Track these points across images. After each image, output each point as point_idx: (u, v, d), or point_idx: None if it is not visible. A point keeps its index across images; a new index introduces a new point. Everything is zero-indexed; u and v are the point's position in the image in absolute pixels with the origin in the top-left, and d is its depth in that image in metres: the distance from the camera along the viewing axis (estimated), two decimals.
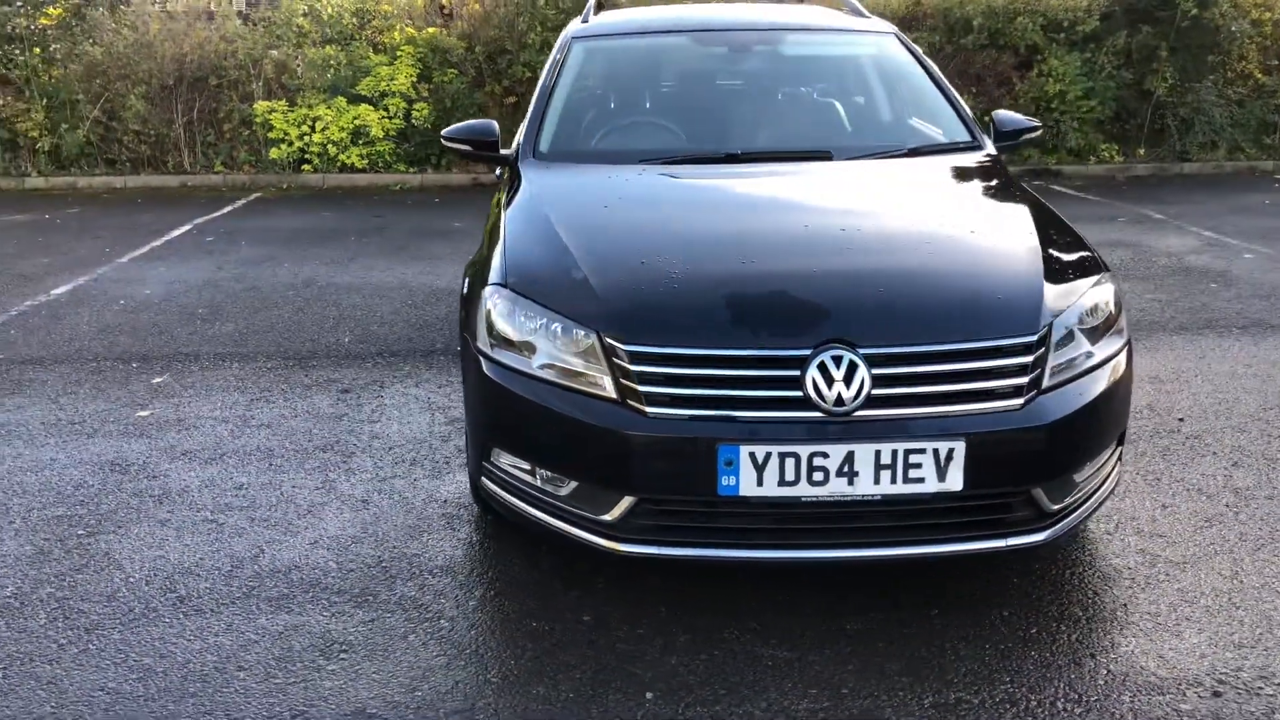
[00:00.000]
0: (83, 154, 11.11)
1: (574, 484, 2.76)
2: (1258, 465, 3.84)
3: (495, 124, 3.97)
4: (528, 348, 2.80)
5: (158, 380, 4.97)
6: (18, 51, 11.03)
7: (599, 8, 4.84)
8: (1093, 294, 2.91)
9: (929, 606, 2.92)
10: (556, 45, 4.32)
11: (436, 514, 3.53)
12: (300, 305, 6.18)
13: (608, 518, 2.70)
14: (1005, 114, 4.17)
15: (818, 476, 2.57)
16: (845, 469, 2.57)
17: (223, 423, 4.41)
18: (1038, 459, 2.69)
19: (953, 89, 4.06)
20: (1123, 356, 2.94)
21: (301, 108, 10.86)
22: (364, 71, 10.97)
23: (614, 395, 2.65)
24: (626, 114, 4.10)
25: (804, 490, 2.58)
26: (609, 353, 2.66)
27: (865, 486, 2.58)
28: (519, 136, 3.91)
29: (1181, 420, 4.31)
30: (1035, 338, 2.68)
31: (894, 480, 2.58)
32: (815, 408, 2.57)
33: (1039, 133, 4.16)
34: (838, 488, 2.58)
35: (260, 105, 10.83)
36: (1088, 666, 2.65)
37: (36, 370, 5.13)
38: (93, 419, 4.47)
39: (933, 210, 3.25)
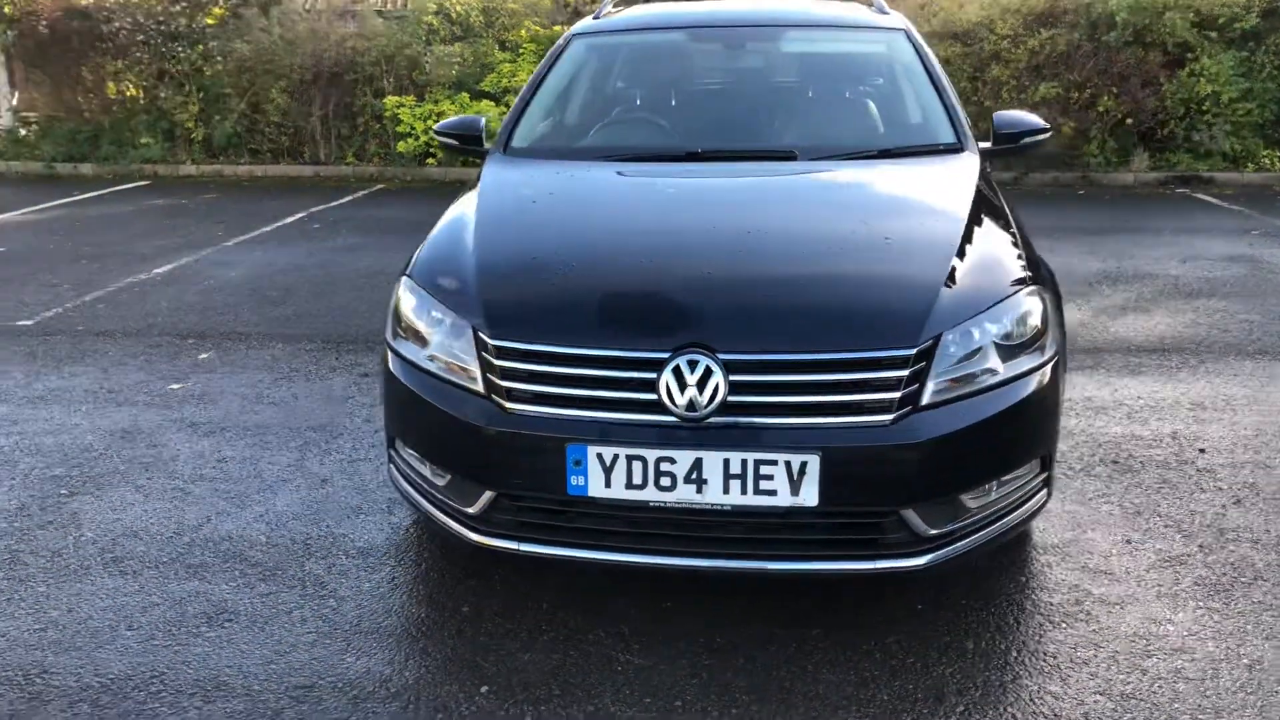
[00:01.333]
0: (230, 144, 11.89)
1: (449, 475, 2.79)
2: (1260, 506, 3.49)
3: (482, 119, 4.03)
4: (421, 340, 2.85)
5: (203, 356, 5.29)
6: (180, 49, 11.89)
7: (625, 2, 4.84)
8: (1009, 307, 2.72)
9: (813, 625, 2.81)
10: (558, 41, 4.35)
11: (384, 499, 3.62)
12: (362, 292, 6.45)
13: (471, 510, 2.73)
14: (1007, 114, 3.93)
15: (665, 482, 2.51)
16: (693, 476, 2.50)
17: (239, 399, 4.65)
18: (907, 479, 2.54)
19: (951, 89, 3.85)
20: (1041, 375, 2.73)
21: (428, 103, 11.27)
22: (488, 68, 11.31)
23: (482, 389, 2.67)
24: (604, 111, 4.08)
25: (651, 495, 2.52)
26: (480, 347, 2.68)
27: (714, 495, 2.51)
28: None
29: (1202, 451, 3.97)
30: (912, 351, 2.53)
31: (744, 491, 2.50)
32: (668, 412, 2.51)
33: (1047, 135, 3.90)
34: (685, 494, 2.51)
35: (390, 100, 11.30)
36: (947, 703, 2.49)
37: (103, 342, 5.55)
38: (129, 389, 4.81)
39: (858, 215, 3.11)
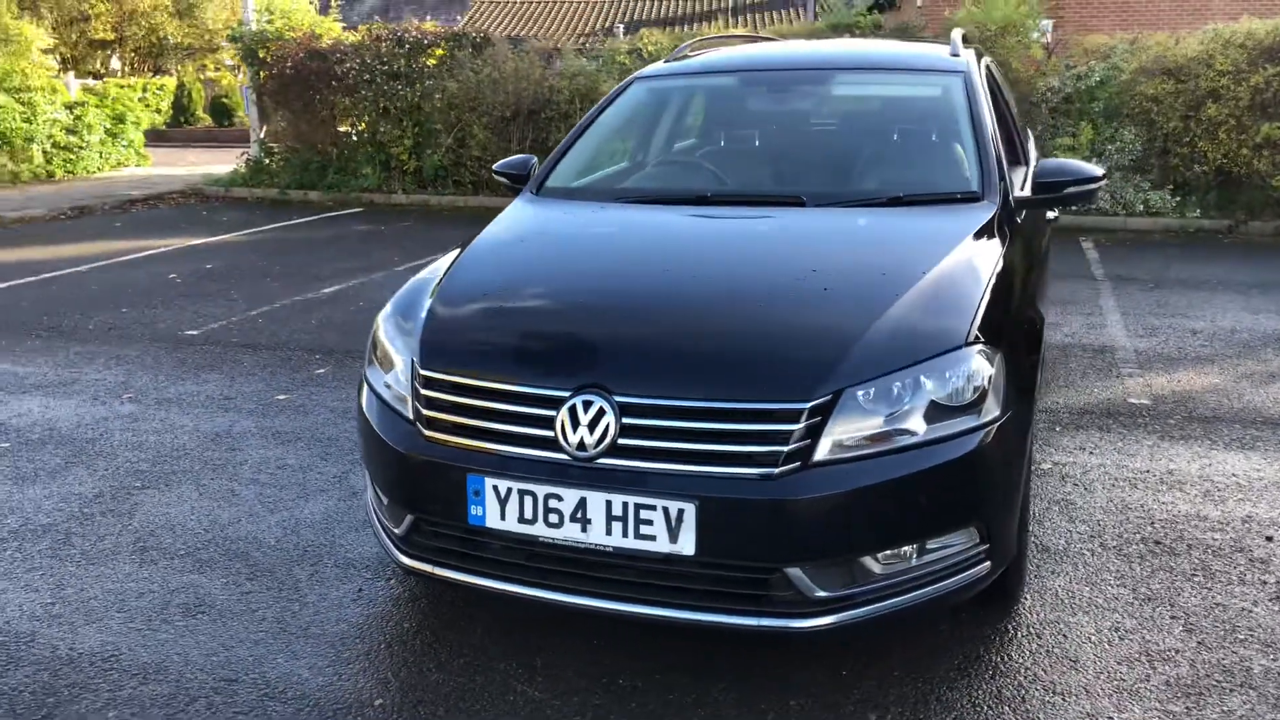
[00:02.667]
0: (436, 175, 12.74)
1: (385, 497, 2.95)
2: None
3: (533, 159, 4.20)
4: (387, 368, 3.03)
5: (319, 371, 5.75)
6: (400, 87, 12.87)
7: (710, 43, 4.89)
8: (940, 365, 2.58)
9: (722, 679, 2.75)
10: (621, 83, 4.45)
11: None
12: None
13: (398, 531, 2.87)
14: (1050, 162, 3.69)
15: (553, 519, 2.56)
16: (578, 515, 2.53)
17: (327, 412, 5.03)
18: (790, 536, 2.47)
19: (994, 138, 3.66)
20: (971, 440, 2.57)
21: None
22: None
23: (410, 416, 2.81)
24: (639, 154, 4.15)
25: (541, 530, 2.58)
26: (413, 375, 2.83)
27: (598, 535, 2.53)
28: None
29: (1270, 539, 3.55)
30: (803, 406, 2.46)
31: (625, 534, 2.50)
32: (561, 450, 2.56)
33: (1097, 185, 3.63)
34: (571, 533, 2.55)
35: None
36: None
37: (244, 353, 6.13)
38: (241, 398, 5.30)
39: (815, 263, 3.01)
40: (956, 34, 4.35)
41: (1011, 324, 2.88)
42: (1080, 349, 6.03)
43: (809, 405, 2.46)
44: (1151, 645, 2.89)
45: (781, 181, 3.78)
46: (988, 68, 4.44)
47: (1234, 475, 4.12)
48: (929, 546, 2.61)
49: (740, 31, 12.40)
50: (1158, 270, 8.43)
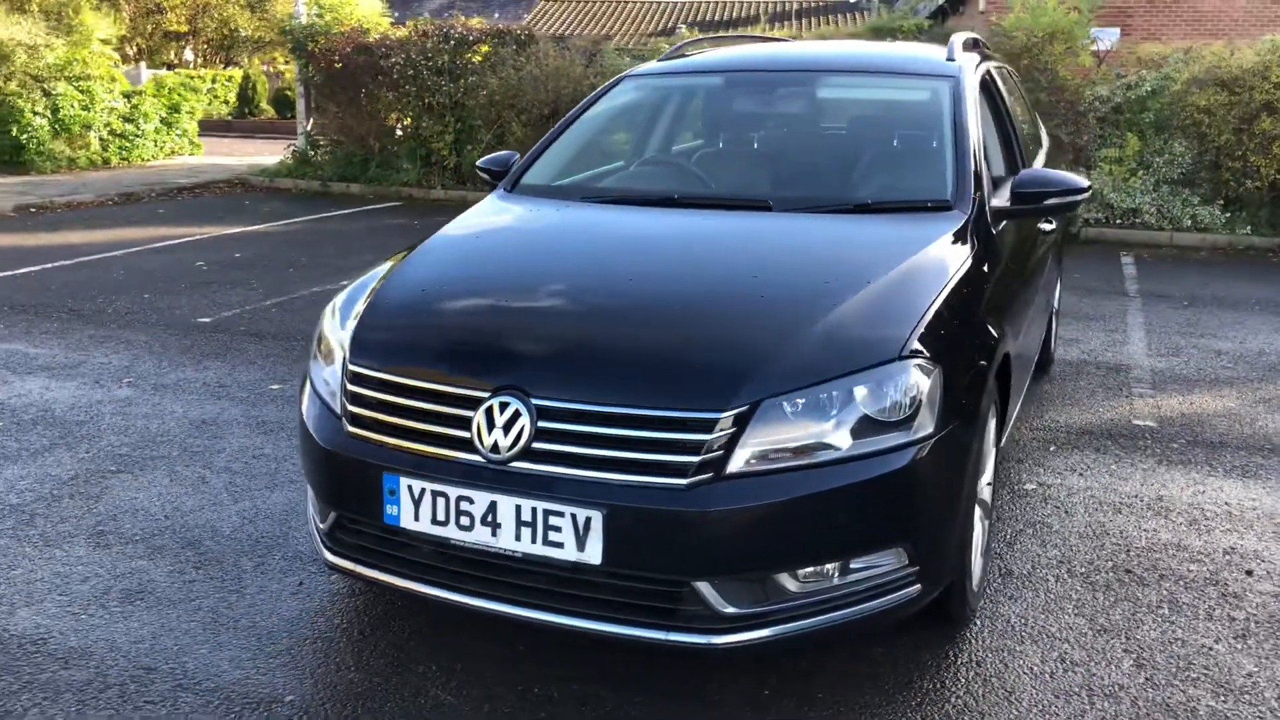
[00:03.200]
0: (475, 171, 12.76)
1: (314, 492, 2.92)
2: (1267, 645, 2.94)
3: (515, 155, 4.15)
4: (328, 361, 3.00)
5: None
6: (444, 83, 12.95)
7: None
8: (870, 378, 2.48)
9: (638, 693, 2.68)
10: (609, 81, 4.39)
11: None
12: None
13: (323, 527, 2.84)
14: (1031, 173, 3.56)
15: (464, 521, 2.51)
16: (489, 519, 2.48)
17: None
18: (698, 549, 2.39)
19: (977, 146, 3.52)
20: (900, 457, 2.47)
21: None
22: None
23: (338, 411, 2.78)
24: (617, 152, 4.08)
25: (453, 533, 2.53)
26: (344, 370, 2.80)
27: (507, 540, 2.47)
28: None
29: (1249, 573, 3.39)
30: (717, 416, 2.38)
31: (534, 540, 2.45)
32: (475, 451, 2.51)
33: (1079, 197, 3.49)
34: (482, 536, 2.50)
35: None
36: None
37: (250, 342, 6.18)
38: (237, 386, 5.33)
39: (757, 269, 2.91)
40: (956, 38, 4.21)
41: (959, 339, 2.77)
42: (1094, 366, 5.84)
43: (724, 415, 2.39)
44: (1096, 680, 2.76)
45: (751, 185, 3.69)
46: (990, 73, 4.30)
47: (1227, 504, 3.94)
48: (853, 566, 2.52)
49: (767, 33, 12.31)
50: (1195, 288, 8.15)
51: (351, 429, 2.70)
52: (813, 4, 31.06)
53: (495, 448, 2.48)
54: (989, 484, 3.19)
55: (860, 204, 3.36)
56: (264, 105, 30.84)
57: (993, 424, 3.11)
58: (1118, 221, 10.40)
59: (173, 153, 16.40)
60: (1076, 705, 2.65)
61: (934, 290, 2.82)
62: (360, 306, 2.97)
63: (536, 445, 2.46)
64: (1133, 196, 10.32)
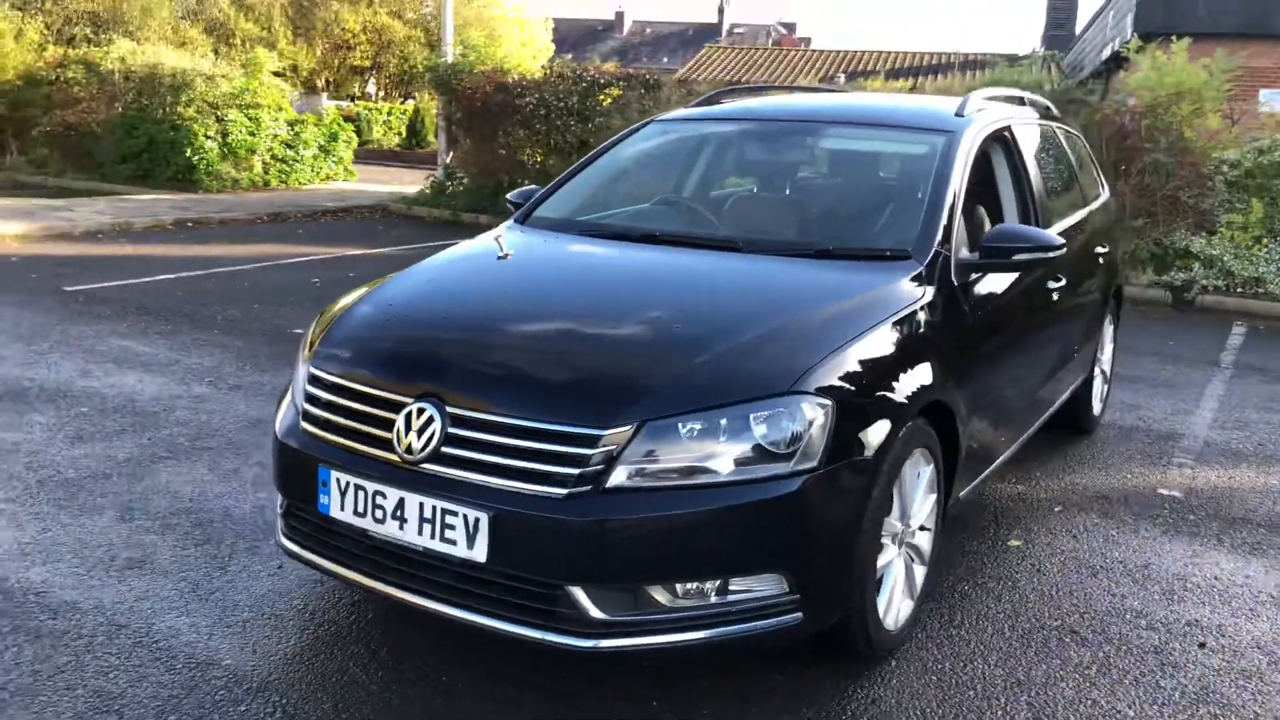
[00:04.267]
0: None
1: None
2: (1185, 715, 2.89)
3: (538, 190, 4.44)
4: (304, 363, 3.32)
5: None
6: (573, 123, 13.48)
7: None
8: (758, 409, 2.62)
9: (538, 691, 2.87)
10: (639, 123, 4.64)
11: None
12: None
13: (280, 511, 3.15)
14: (1003, 228, 3.61)
15: (378, 515, 2.76)
16: (398, 513, 2.73)
17: None
18: (572, 556, 2.57)
19: (953, 200, 3.58)
20: (779, 486, 2.59)
21: None
22: None
23: (298, 407, 3.10)
24: (620, 189, 4.30)
25: (370, 525, 2.79)
26: (306, 372, 3.12)
27: (411, 535, 2.71)
28: None
29: (1202, 645, 3.31)
30: (601, 432, 2.56)
31: (433, 536, 2.68)
32: (394, 451, 2.77)
33: (1050, 254, 3.52)
34: (392, 530, 2.75)
35: None
36: None
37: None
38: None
39: (690, 302, 3.10)
40: (975, 95, 4.28)
41: (867, 381, 2.86)
42: (1144, 433, 5.67)
43: (607, 432, 2.57)
44: None
45: (730, 227, 3.86)
46: (1009, 131, 4.32)
47: (1216, 578, 3.83)
48: (732, 587, 2.65)
49: (814, 84, 12.32)
50: None
51: (304, 425, 3.01)
52: (974, 57, 30.66)
53: (409, 449, 2.73)
54: (923, 529, 3.24)
55: (821, 250, 3.48)
56: (430, 138, 32.45)
57: (927, 470, 3.18)
58: (1239, 290, 9.95)
59: (328, 178, 17.52)
60: None
61: (852, 332, 2.93)
62: (332, 319, 3.28)
63: (445, 450, 2.70)
64: (1256, 265, 9.87)
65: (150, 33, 21.24)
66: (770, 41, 54.44)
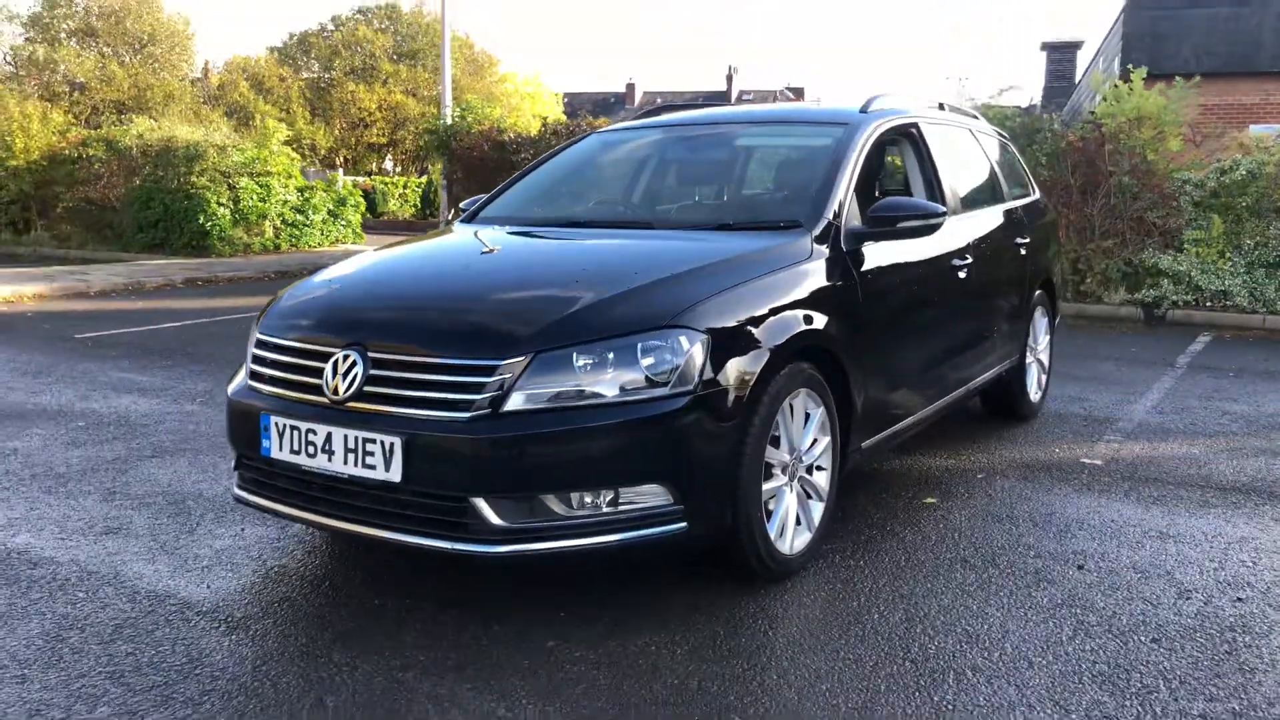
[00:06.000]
0: None
1: None
2: (1029, 617, 3.17)
3: (482, 198, 4.86)
4: None
5: None
6: None
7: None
8: (638, 341, 2.97)
9: (458, 607, 3.18)
10: (581, 134, 5.07)
11: None
12: None
13: (233, 464, 3.52)
14: (889, 200, 3.97)
15: (310, 450, 3.12)
16: (327, 447, 3.08)
17: None
18: (475, 471, 2.91)
19: (844, 181, 3.94)
20: (658, 406, 2.94)
21: None
22: None
23: (246, 371, 3.48)
24: (556, 189, 4.71)
25: (303, 460, 3.14)
26: (252, 338, 3.51)
27: (338, 465, 3.06)
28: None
29: (1081, 568, 3.59)
30: (499, 363, 2.92)
31: (356, 464, 3.03)
32: (322, 394, 3.14)
33: (931, 221, 3.88)
34: (321, 462, 3.10)
35: None
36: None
37: None
38: None
39: (594, 264, 3.50)
40: (875, 96, 4.68)
41: (744, 320, 3.20)
42: (1081, 419, 5.95)
43: (503, 363, 2.93)
44: (862, 622, 3.08)
45: (646, 210, 4.26)
46: (916, 128, 4.70)
47: (1112, 521, 4.11)
48: (622, 497, 2.98)
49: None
50: (1255, 363, 8.01)
51: (250, 383, 3.39)
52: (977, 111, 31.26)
53: (336, 390, 3.10)
54: (819, 468, 3.56)
55: (723, 224, 3.86)
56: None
57: (817, 411, 3.50)
58: (1208, 304, 10.23)
59: (337, 241, 18.15)
60: (839, 640, 2.98)
61: (733, 281, 3.29)
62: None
63: (367, 389, 3.06)
64: (1221, 279, 10.16)
65: (174, 117, 22.19)
66: None
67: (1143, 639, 3.02)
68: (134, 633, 3.04)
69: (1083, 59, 33.65)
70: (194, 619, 3.14)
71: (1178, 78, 11.16)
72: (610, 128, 5.09)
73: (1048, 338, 6.12)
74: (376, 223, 29.58)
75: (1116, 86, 11.08)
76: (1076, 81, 31.40)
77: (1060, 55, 34.78)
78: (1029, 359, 5.77)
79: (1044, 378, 6.11)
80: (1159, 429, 5.72)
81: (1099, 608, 3.25)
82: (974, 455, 5.11)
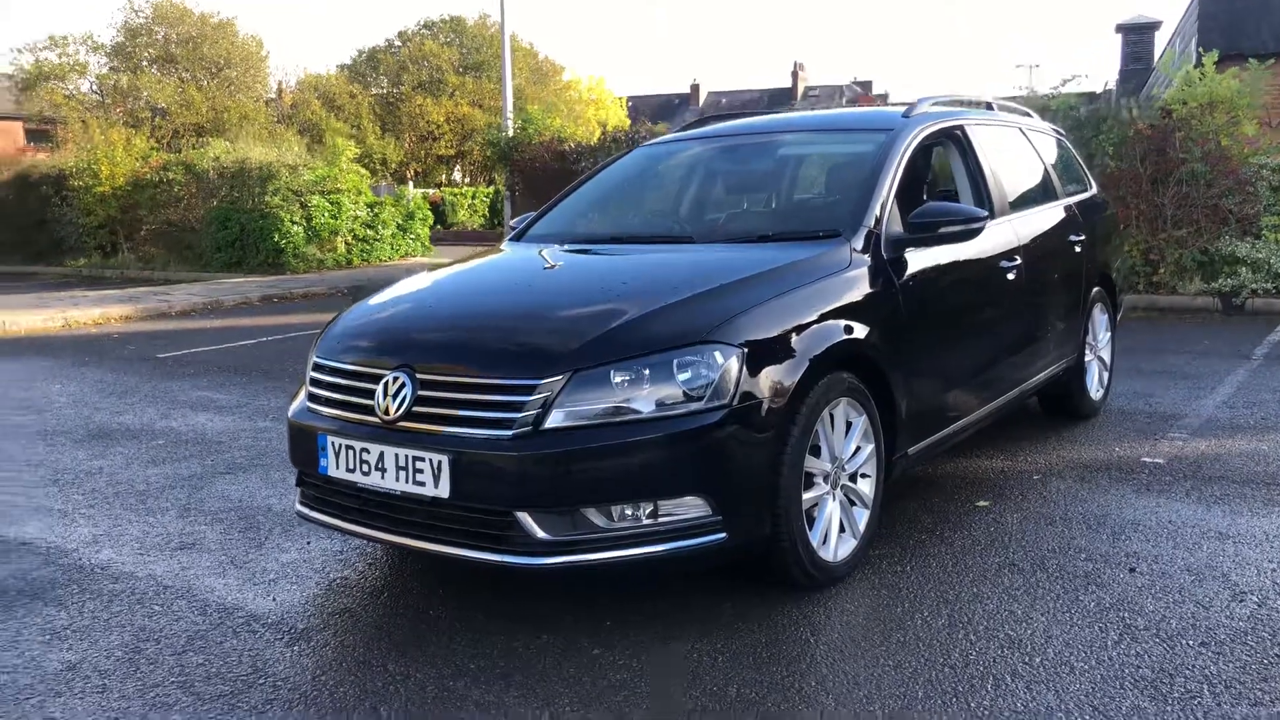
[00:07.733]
0: None
1: None
2: (1079, 632, 3.16)
3: (532, 215, 4.97)
4: None
5: None
6: None
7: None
8: (674, 357, 3.05)
9: (504, 618, 3.29)
10: (629, 149, 5.16)
11: None
12: None
13: (295, 481, 3.67)
14: (933, 205, 3.98)
15: (365, 468, 3.26)
16: (380, 465, 3.22)
17: None
18: (518, 486, 3.01)
19: (885, 188, 3.96)
20: (696, 420, 3.01)
21: None
22: None
23: (305, 393, 3.64)
24: (601, 205, 4.79)
25: (358, 478, 3.28)
26: (311, 361, 3.67)
27: (390, 482, 3.20)
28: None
29: (1133, 570, 3.56)
30: (539, 382, 3.02)
31: (408, 480, 3.15)
32: (375, 415, 3.27)
33: (976, 225, 3.88)
34: (374, 480, 3.23)
35: None
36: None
37: None
38: None
39: (629, 281, 3.57)
40: (923, 99, 4.69)
41: (782, 332, 3.26)
42: (1146, 415, 5.86)
43: (542, 382, 3.03)
44: (906, 629, 3.11)
45: (688, 224, 4.33)
46: (961, 130, 4.70)
47: (1170, 522, 4.06)
48: (662, 509, 3.05)
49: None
50: None
51: (309, 404, 3.54)
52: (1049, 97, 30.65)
53: (387, 411, 3.23)
54: (863, 475, 3.59)
55: (762, 235, 3.92)
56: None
57: (859, 419, 3.54)
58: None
59: (406, 254, 18.53)
60: (880, 647, 3.02)
61: (770, 293, 3.35)
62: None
63: (416, 409, 3.19)
64: None
65: (249, 138, 22.90)
66: (846, 101, 55.08)
67: (1190, 643, 3.00)
68: (204, 644, 3.20)
69: (1160, 40, 32.82)
70: (260, 630, 3.29)
71: (1252, 60, 10.86)
72: (652, 141, 5.17)
73: (1108, 334, 6.03)
74: (446, 233, 30.07)
75: (1188, 73, 10.82)
76: (1154, 65, 30.61)
77: (1137, 37, 33.91)
78: (1088, 357, 5.70)
79: (1106, 375, 6.02)
80: (1228, 425, 5.60)
81: (1148, 611, 3.23)
82: (1030, 456, 5.07)
